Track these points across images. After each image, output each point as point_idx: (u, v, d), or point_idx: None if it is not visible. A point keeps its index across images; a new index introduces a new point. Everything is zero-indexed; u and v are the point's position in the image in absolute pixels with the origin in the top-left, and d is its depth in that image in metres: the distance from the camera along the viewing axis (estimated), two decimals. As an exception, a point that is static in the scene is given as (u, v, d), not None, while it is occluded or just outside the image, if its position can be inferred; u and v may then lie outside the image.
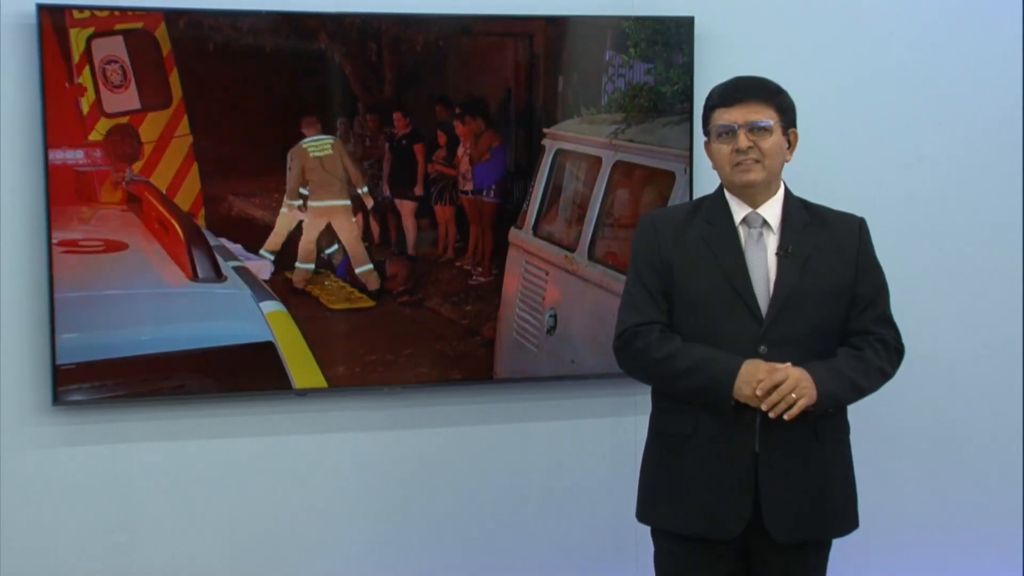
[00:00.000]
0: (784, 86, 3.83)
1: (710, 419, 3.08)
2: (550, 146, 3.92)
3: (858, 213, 3.96)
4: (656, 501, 3.21)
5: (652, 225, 3.21)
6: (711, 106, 3.14)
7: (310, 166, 3.78)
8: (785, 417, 2.99)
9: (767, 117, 3.08)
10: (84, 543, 3.77)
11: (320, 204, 3.81)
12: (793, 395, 2.97)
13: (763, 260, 3.12)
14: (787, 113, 3.13)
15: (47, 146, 3.59)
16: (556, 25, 3.90)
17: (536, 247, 3.95)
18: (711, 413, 3.08)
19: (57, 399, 3.66)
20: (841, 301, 3.14)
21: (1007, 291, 4.28)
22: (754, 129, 3.07)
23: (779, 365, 3.01)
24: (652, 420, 3.27)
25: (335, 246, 3.85)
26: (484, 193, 3.91)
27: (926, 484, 4.29)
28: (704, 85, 3.88)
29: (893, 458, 4.24)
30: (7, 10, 3.59)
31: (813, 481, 3.10)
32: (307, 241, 3.82)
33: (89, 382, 3.67)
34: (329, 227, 3.83)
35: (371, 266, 3.85)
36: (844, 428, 3.20)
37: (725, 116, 3.08)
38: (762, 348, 3.07)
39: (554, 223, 3.95)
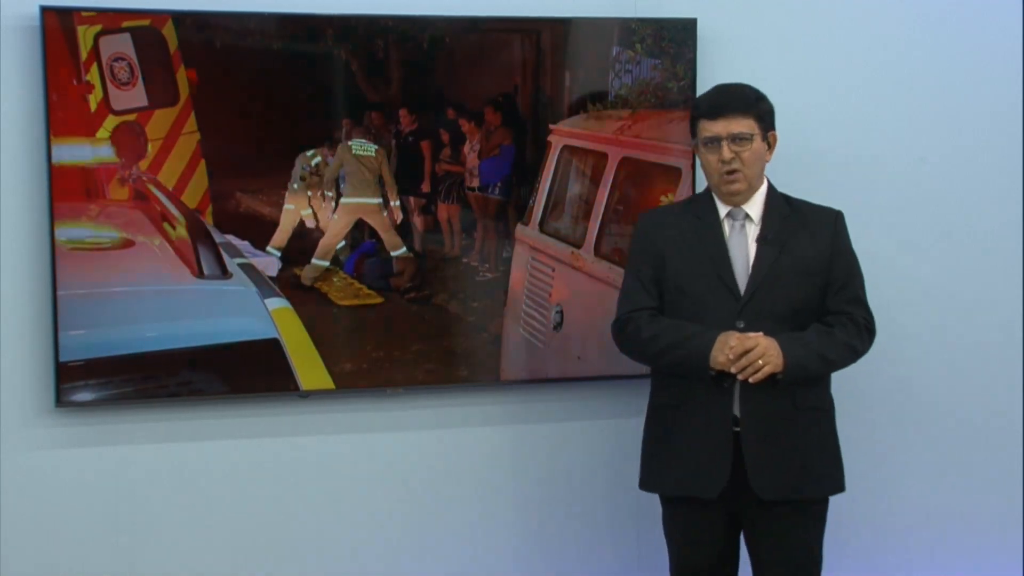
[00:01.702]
0: (785, 87, 3.89)
1: (694, 389, 3.42)
2: (556, 142, 3.93)
3: (859, 212, 4.00)
4: (650, 467, 3.57)
5: (647, 221, 3.60)
6: (697, 116, 3.49)
7: (349, 162, 3.80)
8: (751, 380, 3.32)
9: (748, 128, 3.42)
10: (87, 545, 3.76)
11: (353, 201, 3.83)
12: (760, 361, 3.30)
13: (744, 246, 3.47)
14: (765, 119, 3.46)
15: (50, 145, 3.58)
16: (562, 21, 3.91)
17: (542, 243, 3.96)
18: (695, 384, 3.41)
19: (60, 400, 3.65)
20: (813, 282, 3.46)
21: (1007, 291, 4.30)
22: (736, 140, 3.41)
23: (751, 334, 3.34)
24: (650, 394, 3.61)
25: (343, 242, 3.86)
26: (490, 189, 3.92)
27: (927, 482, 4.30)
28: (707, 86, 3.91)
29: (894, 456, 4.26)
30: (11, 11, 3.59)
31: (792, 444, 3.42)
32: (333, 236, 3.83)
33: (95, 379, 3.66)
34: (358, 227, 3.86)
35: (405, 248, 3.89)
36: (824, 399, 3.52)
37: (710, 128, 3.42)
38: (740, 323, 3.39)
39: (560, 219, 3.96)
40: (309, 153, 3.78)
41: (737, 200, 3.47)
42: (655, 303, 3.50)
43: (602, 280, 3.95)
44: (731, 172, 3.42)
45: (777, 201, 3.50)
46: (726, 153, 3.39)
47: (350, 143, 3.80)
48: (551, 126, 3.93)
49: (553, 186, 3.95)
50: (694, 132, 3.48)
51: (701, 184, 3.92)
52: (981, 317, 4.29)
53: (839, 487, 3.53)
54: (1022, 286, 4.30)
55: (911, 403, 4.26)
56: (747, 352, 3.30)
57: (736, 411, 3.40)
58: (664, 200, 3.98)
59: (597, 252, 3.96)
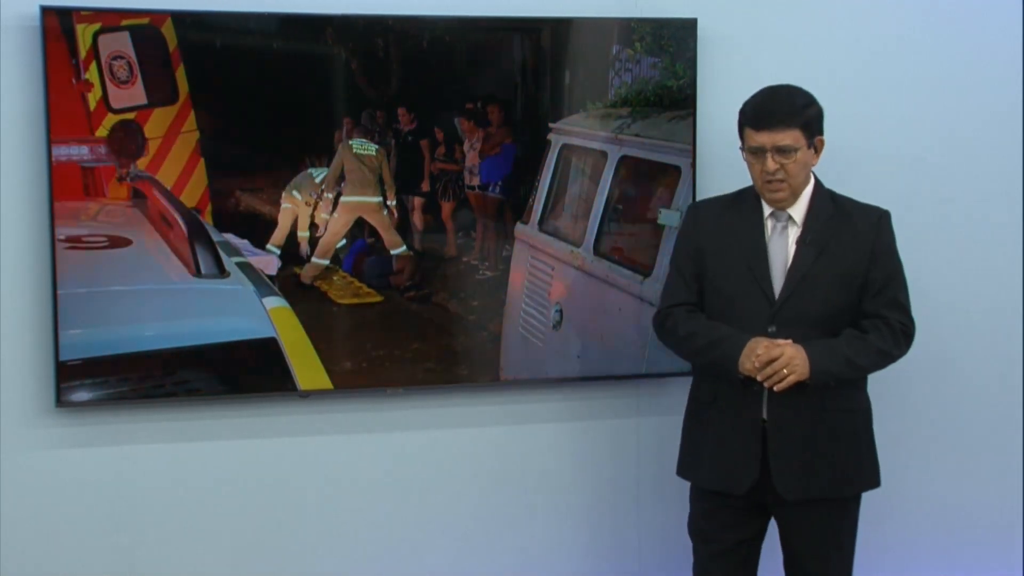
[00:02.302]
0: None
1: (727, 389, 3.45)
2: (556, 141, 3.93)
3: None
4: (686, 458, 3.61)
5: (693, 214, 3.62)
6: (743, 123, 3.44)
7: (349, 161, 3.80)
8: (775, 389, 3.33)
9: (793, 140, 3.37)
10: (86, 545, 3.76)
11: (353, 199, 3.83)
12: (784, 370, 3.31)
13: (784, 249, 3.46)
14: (812, 126, 3.42)
15: (50, 144, 3.58)
16: (563, 20, 3.90)
17: (542, 242, 3.95)
18: (727, 384, 3.44)
19: (60, 400, 3.65)
20: (851, 286, 3.44)
21: (1007, 290, 4.30)
22: (781, 152, 3.37)
23: (779, 342, 3.35)
24: (691, 388, 3.63)
25: (343, 240, 3.85)
26: (490, 188, 3.92)
27: (927, 480, 4.31)
28: (708, 86, 3.95)
29: (894, 455, 4.24)
30: (11, 11, 3.59)
31: (819, 446, 3.42)
32: (333, 235, 3.83)
33: (93, 378, 3.66)
34: (355, 224, 3.86)
35: (405, 247, 3.88)
36: (857, 400, 3.51)
37: (755, 138, 3.39)
38: (771, 328, 3.40)
39: (560, 218, 3.95)
40: (318, 179, 3.78)
41: (782, 205, 3.46)
42: (694, 298, 3.52)
43: (601, 279, 3.95)
44: (775, 181, 3.40)
45: (822, 201, 3.48)
46: (770, 165, 3.37)
47: (351, 142, 3.80)
48: (551, 124, 3.92)
49: (552, 185, 3.94)
50: (741, 137, 3.45)
51: (701, 184, 3.96)
52: (981, 316, 4.29)
53: (870, 484, 3.54)
54: (1022, 286, 4.30)
55: (909, 400, 4.26)
56: (773, 360, 3.31)
57: (764, 413, 3.41)
58: (662, 203, 3.98)
59: (596, 251, 3.95)
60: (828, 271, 3.40)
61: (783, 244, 3.45)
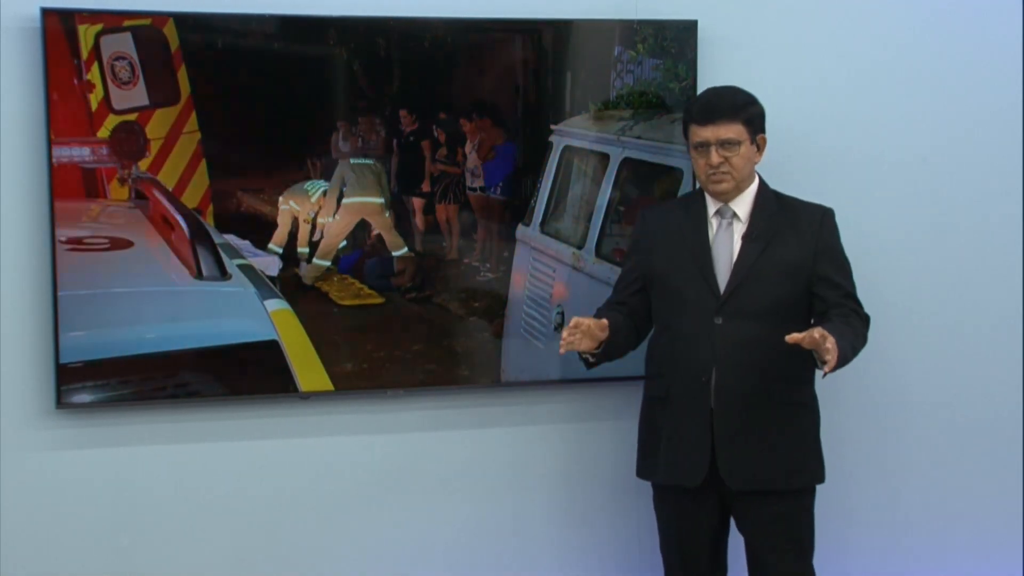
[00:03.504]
0: (786, 88, 3.91)
1: (677, 383, 3.55)
2: (557, 142, 3.93)
3: (860, 213, 4.03)
4: (642, 455, 3.69)
5: (644, 216, 3.73)
6: (688, 120, 3.57)
7: (349, 171, 3.80)
8: (826, 370, 3.26)
9: (736, 134, 3.49)
10: (87, 547, 3.76)
11: (355, 200, 3.83)
12: (828, 345, 3.25)
13: (729, 244, 3.54)
14: (755, 123, 3.54)
15: (51, 145, 3.58)
16: (564, 22, 3.90)
17: (543, 244, 3.96)
18: (676, 378, 3.54)
19: (60, 401, 3.65)
20: (797, 280, 3.51)
21: (1007, 291, 4.30)
22: (724, 145, 3.48)
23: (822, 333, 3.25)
24: (644, 386, 3.73)
25: (344, 242, 3.85)
26: (492, 190, 3.92)
27: (926, 480, 4.30)
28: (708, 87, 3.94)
29: (893, 455, 4.26)
30: (11, 12, 3.59)
31: (764, 438, 3.50)
32: (334, 236, 3.83)
33: (93, 380, 3.65)
34: (357, 227, 3.86)
35: (406, 248, 3.89)
36: (803, 393, 3.58)
37: (700, 133, 3.50)
38: (718, 320, 3.49)
39: (561, 220, 3.96)
40: (313, 196, 3.78)
41: (726, 198, 3.54)
42: (624, 297, 3.64)
43: (603, 281, 3.94)
44: (718, 173, 3.49)
45: (767, 199, 3.57)
46: (714, 158, 3.48)
47: (350, 161, 3.80)
48: (552, 126, 3.92)
49: (554, 187, 3.95)
50: (686, 135, 3.57)
51: (702, 185, 3.96)
52: (981, 315, 4.29)
53: (816, 479, 3.60)
54: (1022, 286, 4.30)
55: (910, 400, 4.26)
56: (825, 338, 3.24)
57: (712, 404, 3.48)
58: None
59: (598, 253, 3.96)
60: (772, 265, 3.49)
61: (728, 240, 3.53)
